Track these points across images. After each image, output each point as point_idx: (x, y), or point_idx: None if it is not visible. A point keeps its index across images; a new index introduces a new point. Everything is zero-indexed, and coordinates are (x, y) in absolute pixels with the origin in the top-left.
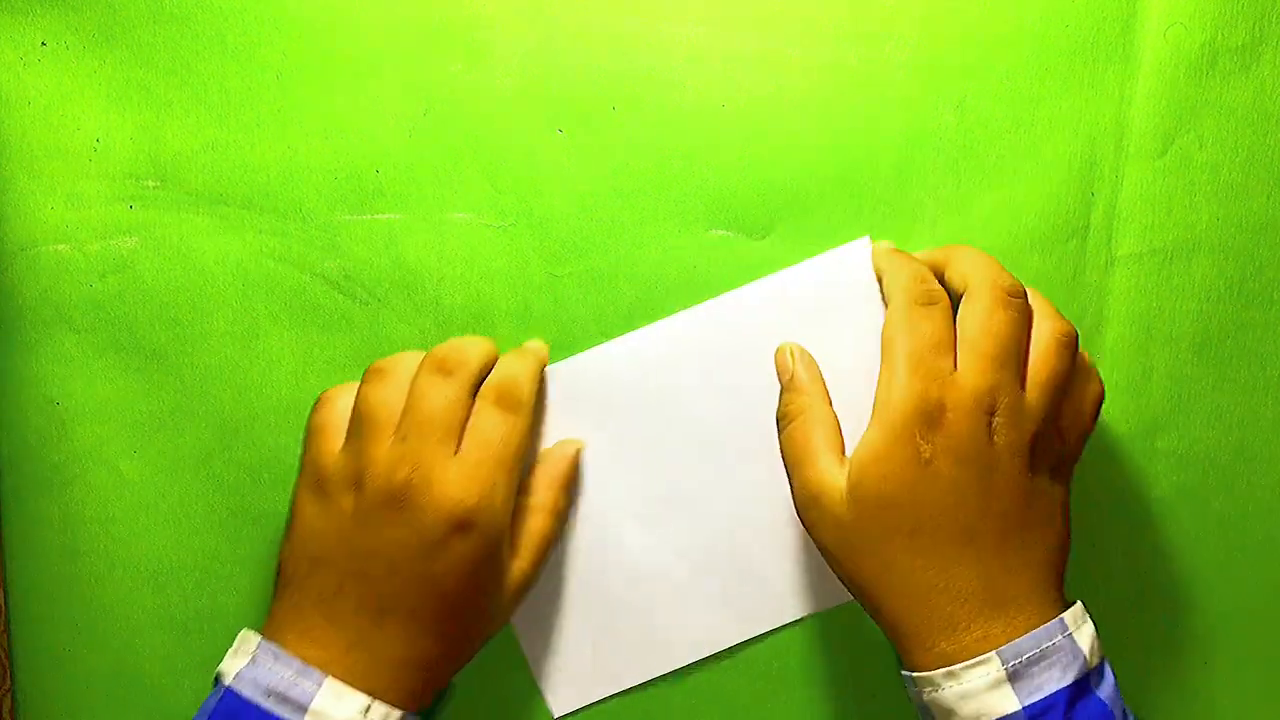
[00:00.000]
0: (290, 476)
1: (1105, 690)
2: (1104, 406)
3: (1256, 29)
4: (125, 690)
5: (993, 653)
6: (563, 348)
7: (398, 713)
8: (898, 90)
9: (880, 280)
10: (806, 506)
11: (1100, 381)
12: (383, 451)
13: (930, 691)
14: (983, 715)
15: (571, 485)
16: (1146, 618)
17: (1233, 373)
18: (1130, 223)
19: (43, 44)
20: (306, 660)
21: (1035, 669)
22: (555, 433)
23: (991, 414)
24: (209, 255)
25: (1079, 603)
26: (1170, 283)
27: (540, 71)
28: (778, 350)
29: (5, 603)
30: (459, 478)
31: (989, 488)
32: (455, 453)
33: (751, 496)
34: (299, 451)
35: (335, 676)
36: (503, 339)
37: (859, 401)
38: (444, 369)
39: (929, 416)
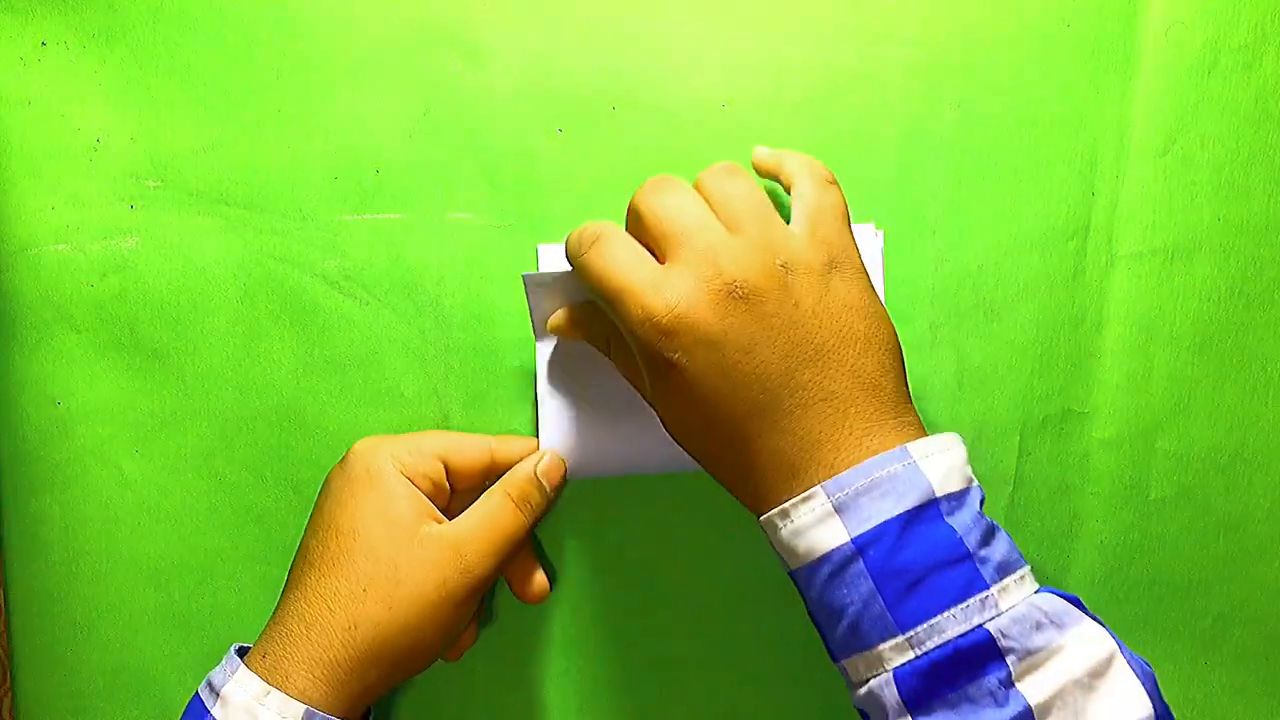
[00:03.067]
0: (291, 474)
1: (960, 517)
2: (1104, 406)
3: (1258, 28)
4: (126, 690)
5: (818, 487)
6: None
7: (299, 707)
8: (898, 90)
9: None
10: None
11: (837, 191)
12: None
13: (773, 534)
14: (814, 550)
15: (553, 489)
16: (1147, 618)
17: (1233, 373)
18: (1131, 222)
19: (43, 44)
20: (249, 657)
21: (863, 500)
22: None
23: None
24: (209, 255)
25: (950, 435)
26: (1170, 283)
27: (540, 71)
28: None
29: (5, 602)
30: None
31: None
32: None
33: None
34: (300, 450)
35: (254, 653)
36: (503, 339)
37: None
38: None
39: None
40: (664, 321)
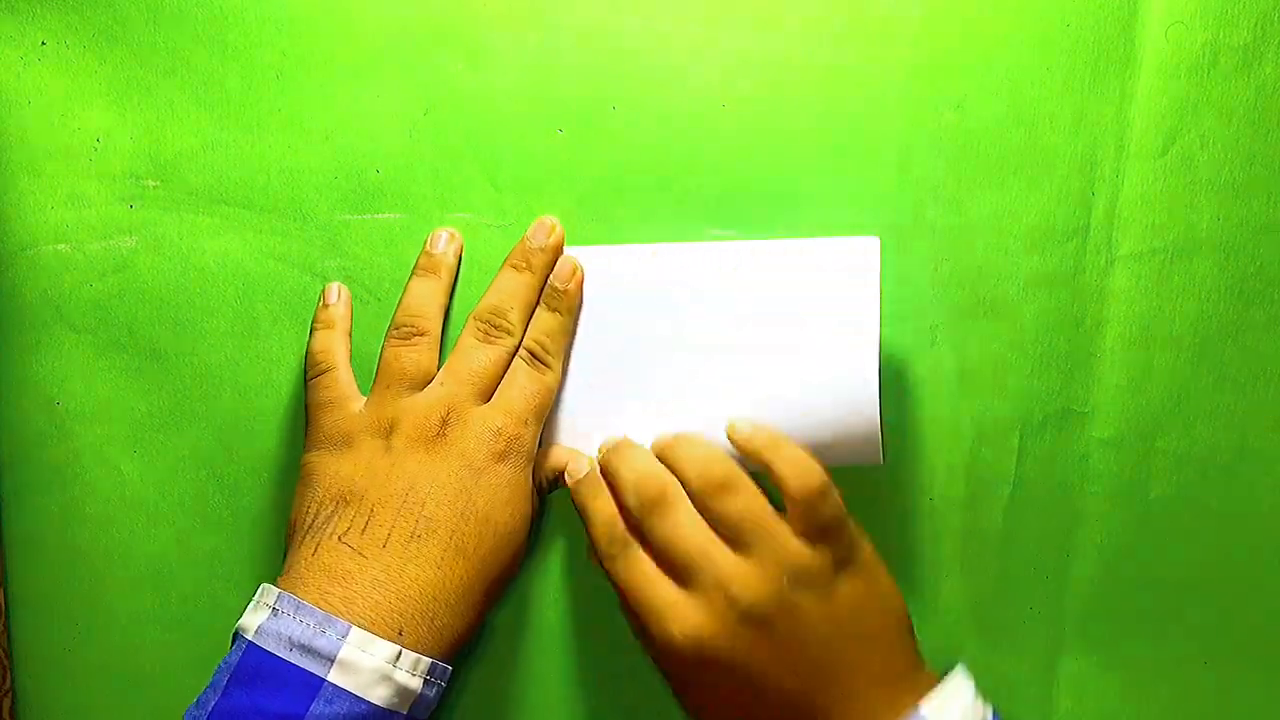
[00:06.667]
0: (291, 476)
1: None
2: (1104, 406)
3: (1258, 28)
4: (125, 689)
5: None
6: None
7: (427, 660)
8: (898, 90)
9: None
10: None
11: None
12: (421, 399)
13: None
14: None
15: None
16: (1147, 618)
17: (1233, 373)
18: (1130, 223)
19: (43, 44)
20: (328, 607)
21: None
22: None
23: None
24: (209, 255)
25: (955, 676)
26: (1170, 283)
27: (540, 71)
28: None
29: (5, 602)
30: (497, 414)
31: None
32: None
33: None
34: (300, 449)
35: (358, 617)
36: None
37: (826, 387)
38: (489, 335)
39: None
40: (682, 650)
